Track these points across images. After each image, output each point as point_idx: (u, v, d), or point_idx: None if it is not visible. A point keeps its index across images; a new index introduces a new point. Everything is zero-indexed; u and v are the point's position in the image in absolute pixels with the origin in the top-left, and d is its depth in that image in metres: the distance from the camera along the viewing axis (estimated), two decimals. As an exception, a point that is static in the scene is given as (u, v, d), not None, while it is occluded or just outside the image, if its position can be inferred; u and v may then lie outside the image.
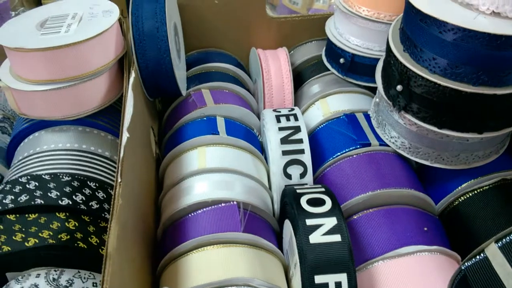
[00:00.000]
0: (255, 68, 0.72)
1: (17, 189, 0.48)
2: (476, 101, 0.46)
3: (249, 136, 0.61)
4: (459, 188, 0.54)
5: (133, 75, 0.54)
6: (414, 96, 0.49)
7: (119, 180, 0.42)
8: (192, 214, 0.51)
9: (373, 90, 0.64)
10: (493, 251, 0.34)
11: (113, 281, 0.35)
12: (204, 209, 0.50)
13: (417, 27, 0.46)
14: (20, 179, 0.50)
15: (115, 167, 0.56)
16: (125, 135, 0.46)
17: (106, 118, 0.60)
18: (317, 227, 0.43)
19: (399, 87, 0.50)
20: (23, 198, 0.47)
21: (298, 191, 0.48)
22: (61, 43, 0.52)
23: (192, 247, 0.47)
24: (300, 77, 0.72)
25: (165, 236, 0.52)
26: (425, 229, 0.49)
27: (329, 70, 0.69)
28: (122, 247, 0.39)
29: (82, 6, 0.60)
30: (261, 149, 0.62)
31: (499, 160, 0.54)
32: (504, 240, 0.34)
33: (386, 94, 0.53)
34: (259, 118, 0.66)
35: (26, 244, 0.44)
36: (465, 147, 0.52)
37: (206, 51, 0.75)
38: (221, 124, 0.60)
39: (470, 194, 0.53)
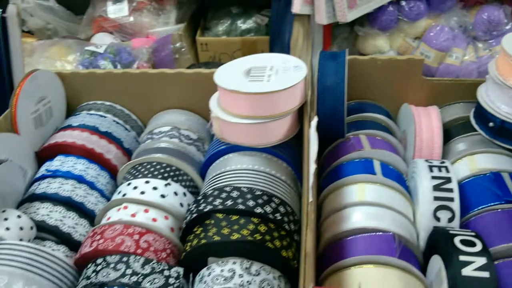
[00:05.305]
0: (405, 121, 0.83)
1: (224, 195, 0.64)
2: None
3: (400, 179, 0.71)
4: None
5: (316, 119, 0.68)
6: None
7: (310, 199, 0.55)
8: (353, 237, 0.62)
9: (521, 154, 0.70)
10: None
11: (309, 275, 0.48)
12: (364, 234, 0.61)
13: None
14: (225, 188, 0.65)
15: (289, 189, 0.70)
16: (313, 166, 0.59)
17: (283, 150, 0.74)
18: (469, 263, 0.52)
19: (551, 155, 0.57)
20: (229, 202, 0.63)
21: (451, 232, 0.57)
22: (266, 90, 0.68)
23: (353, 263, 0.58)
24: (447, 133, 0.80)
25: (327, 252, 0.63)
26: None
27: (476, 130, 0.76)
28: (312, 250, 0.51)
29: (276, 60, 0.76)
30: (408, 192, 0.72)
31: None
32: None
33: (537, 160, 0.60)
34: (405, 165, 0.76)
35: (231, 237, 0.59)
36: None
37: (362, 102, 0.88)
38: (377, 166, 0.71)
39: None
